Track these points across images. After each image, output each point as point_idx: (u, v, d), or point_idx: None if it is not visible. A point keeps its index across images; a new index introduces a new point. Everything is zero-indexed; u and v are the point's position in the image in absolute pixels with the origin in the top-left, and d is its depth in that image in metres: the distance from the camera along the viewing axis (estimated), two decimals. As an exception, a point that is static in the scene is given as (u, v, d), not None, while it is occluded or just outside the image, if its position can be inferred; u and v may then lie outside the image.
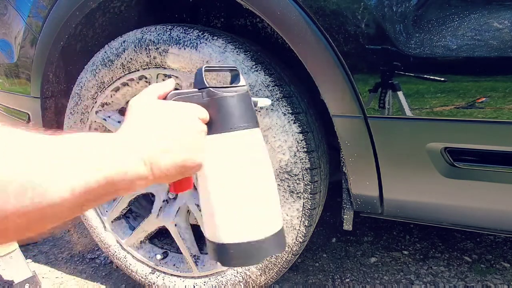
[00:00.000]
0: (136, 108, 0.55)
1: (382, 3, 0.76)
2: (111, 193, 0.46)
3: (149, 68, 1.07)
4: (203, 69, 0.61)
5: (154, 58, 1.03)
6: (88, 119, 1.22)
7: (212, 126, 0.60)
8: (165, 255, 1.29)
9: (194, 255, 1.21)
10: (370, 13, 0.76)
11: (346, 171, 0.94)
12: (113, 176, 0.44)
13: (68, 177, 0.39)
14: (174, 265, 1.26)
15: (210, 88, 0.60)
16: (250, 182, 0.61)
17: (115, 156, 0.46)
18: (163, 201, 1.22)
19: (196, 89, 0.61)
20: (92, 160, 0.43)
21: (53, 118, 1.36)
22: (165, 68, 1.04)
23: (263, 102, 0.72)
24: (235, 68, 0.69)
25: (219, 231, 0.62)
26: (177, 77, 1.04)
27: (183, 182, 0.61)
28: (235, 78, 0.68)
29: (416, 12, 0.75)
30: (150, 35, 1.03)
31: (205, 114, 0.59)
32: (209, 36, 0.99)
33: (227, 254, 0.61)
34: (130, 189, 0.48)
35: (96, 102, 1.18)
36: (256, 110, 0.67)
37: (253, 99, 0.67)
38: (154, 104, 0.56)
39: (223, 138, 0.60)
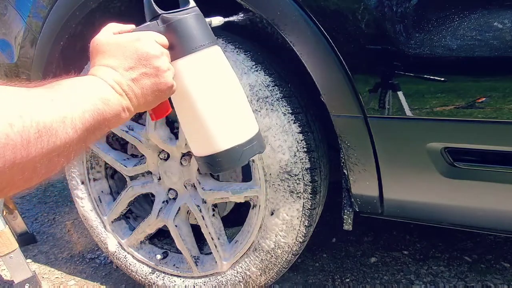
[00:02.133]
0: (98, 47, 0.60)
1: (382, 3, 0.75)
2: (104, 126, 0.53)
3: (149, 68, 1.06)
4: None
5: (154, 58, 1.03)
6: (88, 119, 1.21)
7: (176, 51, 0.63)
8: (165, 255, 1.29)
9: (194, 255, 1.21)
10: (370, 13, 0.76)
11: (346, 171, 0.94)
12: (101, 111, 0.51)
13: (71, 118, 0.46)
14: (174, 265, 1.26)
15: (163, 15, 0.63)
16: (223, 95, 0.67)
17: (97, 94, 0.52)
18: (163, 202, 1.22)
19: (150, 19, 0.64)
20: (83, 101, 0.50)
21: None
22: (165, 68, 1.04)
23: (216, 20, 0.76)
24: None
25: (205, 144, 0.68)
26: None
27: (161, 108, 0.65)
28: (184, 2, 0.69)
29: (416, 12, 0.75)
30: (150, 35, 1.03)
31: (162, 39, 0.62)
32: (209, 36, 0.99)
33: (217, 162, 0.69)
34: (119, 121, 0.55)
35: (96, 102, 1.18)
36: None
37: (207, 19, 0.71)
38: (113, 39, 0.60)
39: (190, 60, 0.64)
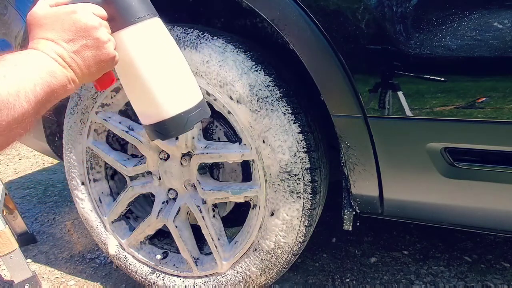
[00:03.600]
0: (35, 20, 0.60)
1: (382, 3, 0.76)
2: (53, 98, 0.56)
3: (149, 68, 1.06)
4: None
5: (154, 58, 1.03)
6: (88, 119, 1.21)
7: (115, 23, 0.64)
8: (165, 255, 1.29)
9: (194, 256, 1.21)
10: (370, 13, 0.76)
11: (346, 171, 0.94)
12: (49, 83, 0.54)
13: (24, 92, 0.50)
14: (174, 265, 1.26)
15: None
16: (166, 64, 0.69)
17: (43, 67, 0.55)
18: (163, 202, 1.22)
19: None
20: (33, 75, 0.53)
21: (53, 118, 1.36)
22: (165, 68, 1.04)
23: None
24: None
25: (152, 113, 0.70)
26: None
27: (105, 79, 0.66)
28: None
29: (416, 12, 0.75)
30: (150, 35, 1.03)
31: (100, 10, 0.62)
32: (209, 36, 0.99)
33: (164, 129, 0.71)
34: (66, 92, 0.58)
35: (96, 102, 1.18)
36: None
37: None
38: (50, 12, 0.60)
39: (130, 31, 0.65)
